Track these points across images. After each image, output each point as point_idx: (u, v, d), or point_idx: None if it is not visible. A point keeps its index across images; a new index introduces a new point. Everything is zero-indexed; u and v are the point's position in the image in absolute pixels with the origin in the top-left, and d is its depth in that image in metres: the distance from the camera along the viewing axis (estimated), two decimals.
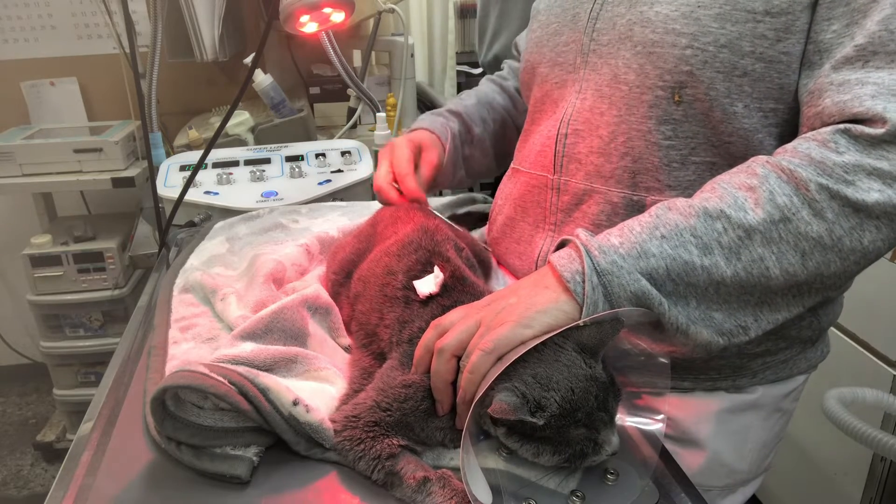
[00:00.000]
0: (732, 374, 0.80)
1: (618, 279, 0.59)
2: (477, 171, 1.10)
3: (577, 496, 0.56)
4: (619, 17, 0.74)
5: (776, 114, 0.70)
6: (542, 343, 0.57)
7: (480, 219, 1.09)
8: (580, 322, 0.58)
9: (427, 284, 0.70)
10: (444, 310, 0.67)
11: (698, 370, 0.80)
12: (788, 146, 0.64)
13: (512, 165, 0.94)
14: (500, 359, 0.57)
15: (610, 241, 0.61)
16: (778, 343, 0.80)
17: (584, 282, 0.59)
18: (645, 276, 0.59)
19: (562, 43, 0.83)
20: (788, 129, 0.71)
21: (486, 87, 1.13)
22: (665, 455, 0.63)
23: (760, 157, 0.64)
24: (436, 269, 0.71)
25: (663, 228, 0.61)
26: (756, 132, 0.70)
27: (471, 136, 1.05)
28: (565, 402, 0.54)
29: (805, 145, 0.62)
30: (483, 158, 1.09)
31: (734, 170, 0.65)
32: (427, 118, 1.04)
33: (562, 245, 0.65)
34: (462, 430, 0.56)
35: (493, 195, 1.27)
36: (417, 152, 0.96)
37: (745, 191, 0.61)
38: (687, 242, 0.60)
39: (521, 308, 0.59)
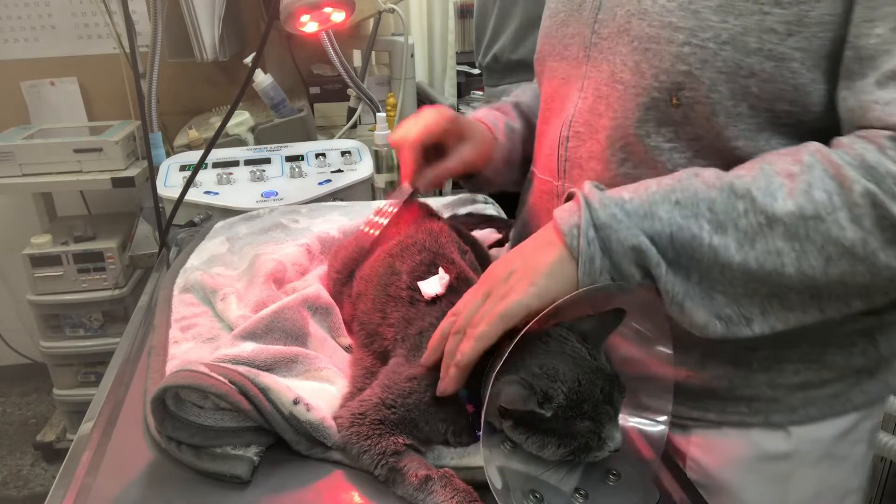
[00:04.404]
0: (765, 408, 0.69)
1: (616, 233, 0.56)
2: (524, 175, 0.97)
3: (581, 494, 0.56)
4: (619, 8, 0.68)
5: (790, 116, 0.62)
6: (548, 334, 0.57)
7: (481, 219, 1.09)
8: (581, 292, 0.56)
9: (432, 286, 0.70)
10: (453, 306, 0.67)
11: (723, 398, 0.70)
12: (844, 140, 0.57)
13: (531, 168, 0.86)
14: (507, 333, 0.56)
15: (619, 195, 0.58)
16: (822, 373, 0.68)
17: (579, 235, 0.57)
18: (646, 236, 0.56)
19: (568, 35, 0.75)
20: (808, 134, 0.62)
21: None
22: (666, 456, 0.63)
23: (813, 143, 0.58)
24: (440, 270, 0.71)
25: (680, 193, 0.57)
26: (767, 137, 0.63)
27: (530, 131, 0.92)
28: (572, 393, 0.54)
29: (861, 144, 0.55)
30: None
31: (784, 150, 0.59)
32: (485, 110, 0.93)
33: (570, 198, 0.62)
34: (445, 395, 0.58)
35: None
36: (455, 131, 0.84)
37: (783, 176, 0.55)
38: (700, 215, 0.56)
39: (526, 273, 0.58)
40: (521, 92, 1.01)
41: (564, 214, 0.59)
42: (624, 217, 0.56)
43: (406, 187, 0.84)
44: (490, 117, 0.91)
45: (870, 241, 0.53)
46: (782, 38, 0.58)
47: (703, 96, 0.62)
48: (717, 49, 0.60)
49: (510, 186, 0.95)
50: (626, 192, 0.58)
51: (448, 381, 0.59)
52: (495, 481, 0.54)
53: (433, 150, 0.85)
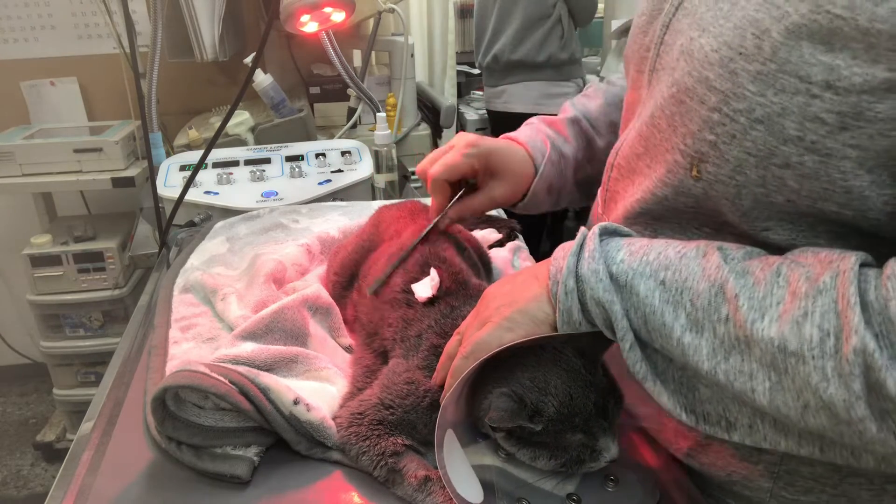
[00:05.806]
0: None
1: (592, 291, 0.51)
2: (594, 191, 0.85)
3: (574, 499, 0.56)
4: (680, 35, 0.55)
5: (841, 217, 0.49)
6: (541, 347, 0.57)
7: (481, 219, 1.09)
8: (556, 335, 0.55)
9: (424, 288, 0.70)
10: (453, 309, 0.67)
11: (721, 488, 0.62)
12: (893, 268, 0.43)
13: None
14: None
15: (616, 252, 0.53)
16: (840, 501, 0.57)
17: (559, 282, 0.53)
18: (621, 306, 0.51)
19: (644, 46, 0.62)
20: (871, 241, 0.49)
21: (620, 79, 0.86)
22: (666, 459, 0.63)
23: (856, 257, 0.45)
24: (432, 271, 0.71)
25: (672, 273, 0.50)
26: (810, 226, 0.51)
27: (592, 150, 0.83)
28: (563, 407, 0.54)
29: None
30: None
31: (824, 253, 0.47)
32: (531, 130, 0.82)
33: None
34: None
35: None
36: (486, 167, 0.77)
37: (789, 289, 0.45)
38: (680, 305, 0.49)
39: (506, 302, 0.57)
40: (592, 96, 0.87)
41: (560, 253, 0.55)
42: (605, 277, 0.51)
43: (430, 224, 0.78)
44: (536, 141, 0.80)
45: (857, 407, 0.41)
46: (831, 130, 0.45)
47: (726, 176, 0.51)
48: (749, 126, 0.48)
49: (568, 206, 0.85)
50: (624, 251, 0.53)
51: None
52: (468, 497, 0.54)
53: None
